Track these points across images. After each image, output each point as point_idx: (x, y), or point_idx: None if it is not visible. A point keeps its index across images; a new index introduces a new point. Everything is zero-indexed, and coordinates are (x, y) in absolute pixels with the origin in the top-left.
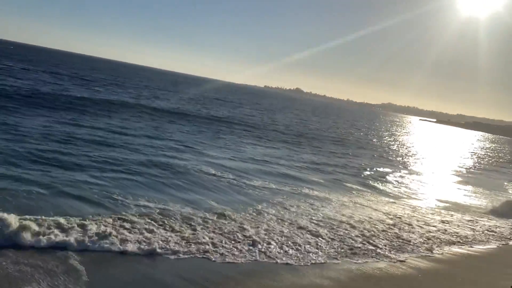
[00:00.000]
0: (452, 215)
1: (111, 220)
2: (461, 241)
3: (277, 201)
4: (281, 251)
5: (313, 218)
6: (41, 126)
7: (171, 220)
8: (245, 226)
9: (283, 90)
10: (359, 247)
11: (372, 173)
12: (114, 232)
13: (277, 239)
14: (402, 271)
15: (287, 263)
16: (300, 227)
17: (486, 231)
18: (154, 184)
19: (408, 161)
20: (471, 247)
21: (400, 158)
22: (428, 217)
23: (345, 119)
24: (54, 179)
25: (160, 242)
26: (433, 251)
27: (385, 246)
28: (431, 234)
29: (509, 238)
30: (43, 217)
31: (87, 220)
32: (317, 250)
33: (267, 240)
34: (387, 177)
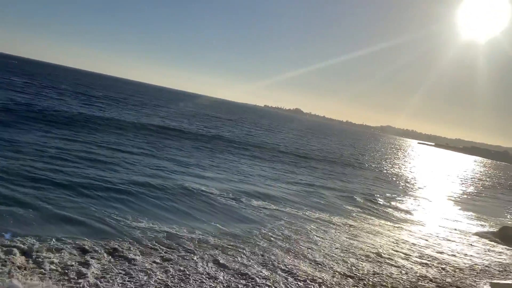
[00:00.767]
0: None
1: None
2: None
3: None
4: None
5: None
6: (36, 141)
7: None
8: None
9: (282, 110)
10: None
11: (373, 196)
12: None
13: None
14: None
15: None
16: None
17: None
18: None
19: (408, 185)
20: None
21: (402, 182)
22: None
23: (345, 141)
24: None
25: None
26: None
27: None
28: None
29: None
30: None
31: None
32: None
33: None
34: (390, 201)
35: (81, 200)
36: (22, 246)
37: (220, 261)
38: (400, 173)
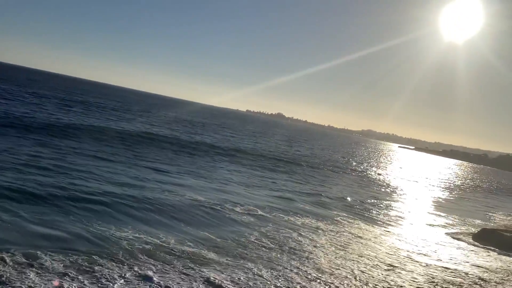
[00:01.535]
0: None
1: None
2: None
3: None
4: None
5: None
6: (7, 148)
7: None
8: None
9: (265, 114)
10: None
11: (356, 201)
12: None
13: None
14: None
15: None
16: None
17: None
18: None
19: (390, 189)
20: None
21: (384, 186)
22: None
23: (327, 145)
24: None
25: None
26: None
27: None
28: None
29: None
30: None
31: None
32: None
33: None
34: (371, 205)
35: (49, 211)
36: None
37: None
38: (382, 177)
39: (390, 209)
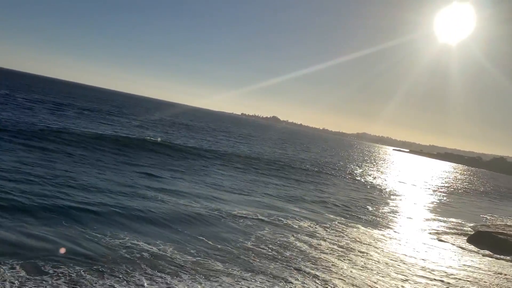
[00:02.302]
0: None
1: None
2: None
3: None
4: None
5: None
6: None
7: None
8: None
9: (260, 118)
10: None
11: (353, 204)
12: None
13: None
14: None
15: None
16: None
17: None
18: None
19: (387, 193)
20: None
21: (380, 190)
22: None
23: (323, 148)
24: None
25: None
26: None
27: None
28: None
29: None
30: None
31: None
32: None
33: None
34: (368, 207)
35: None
36: None
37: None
38: (378, 181)
39: (387, 212)
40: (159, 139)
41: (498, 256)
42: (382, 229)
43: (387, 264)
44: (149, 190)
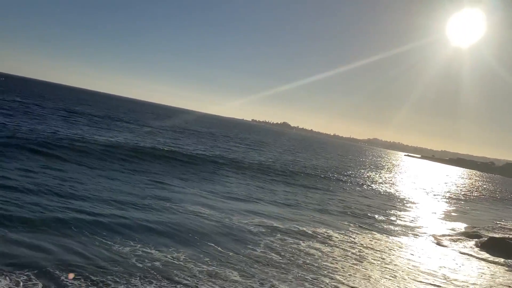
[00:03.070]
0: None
1: None
2: None
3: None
4: None
5: None
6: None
7: None
8: None
9: (270, 124)
10: None
11: (368, 211)
12: None
13: None
14: None
15: None
16: None
17: None
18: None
19: (400, 199)
20: None
21: (393, 196)
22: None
23: (334, 154)
24: None
25: None
26: None
27: None
28: None
29: None
30: None
31: None
32: None
33: None
34: (382, 214)
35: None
36: None
37: None
38: (391, 187)
39: (401, 219)
40: (168, 147)
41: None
42: (397, 236)
43: (403, 271)
44: (158, 198)
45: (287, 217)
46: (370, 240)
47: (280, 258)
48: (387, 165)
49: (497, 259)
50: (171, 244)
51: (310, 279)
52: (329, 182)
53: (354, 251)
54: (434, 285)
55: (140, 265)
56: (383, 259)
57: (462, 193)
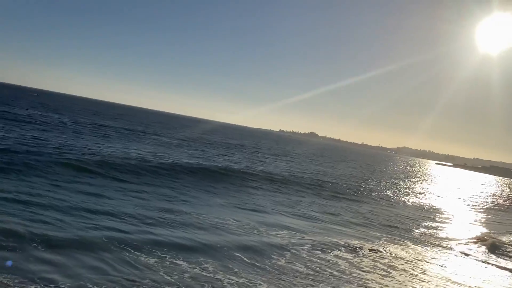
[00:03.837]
0: None
1: None
2: None
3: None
4: None
5: None
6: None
7: None
8: None
9: (298, 134)
10: None
11: (398, 221)
12: None
13: None
14: None
15: None
16: None
17: None
18: None
19: (434, 208)
20: None
21: (427, 205)
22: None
23: (365, 164)
24: None
25: None
26: None
27: None
28: None
29: None
30: None
31: None
32: None
33: None
34: (414, 224)
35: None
36: None
37: None
38: (422, 196)
39: (434, 229)
40: (196, 162)
41: None
42: (428, 245)
43: (433, 283)
44: (184, 213)
45: (315, 229)
46: (401, 251)
47: (308, 270)
48: (418, 174)
49: None
50: (200, 256)
51: None
52: (359, 192)
53: (383, 261)
54: None
55: (168, 278)
56: (413, 269)
57: (498, 202)
